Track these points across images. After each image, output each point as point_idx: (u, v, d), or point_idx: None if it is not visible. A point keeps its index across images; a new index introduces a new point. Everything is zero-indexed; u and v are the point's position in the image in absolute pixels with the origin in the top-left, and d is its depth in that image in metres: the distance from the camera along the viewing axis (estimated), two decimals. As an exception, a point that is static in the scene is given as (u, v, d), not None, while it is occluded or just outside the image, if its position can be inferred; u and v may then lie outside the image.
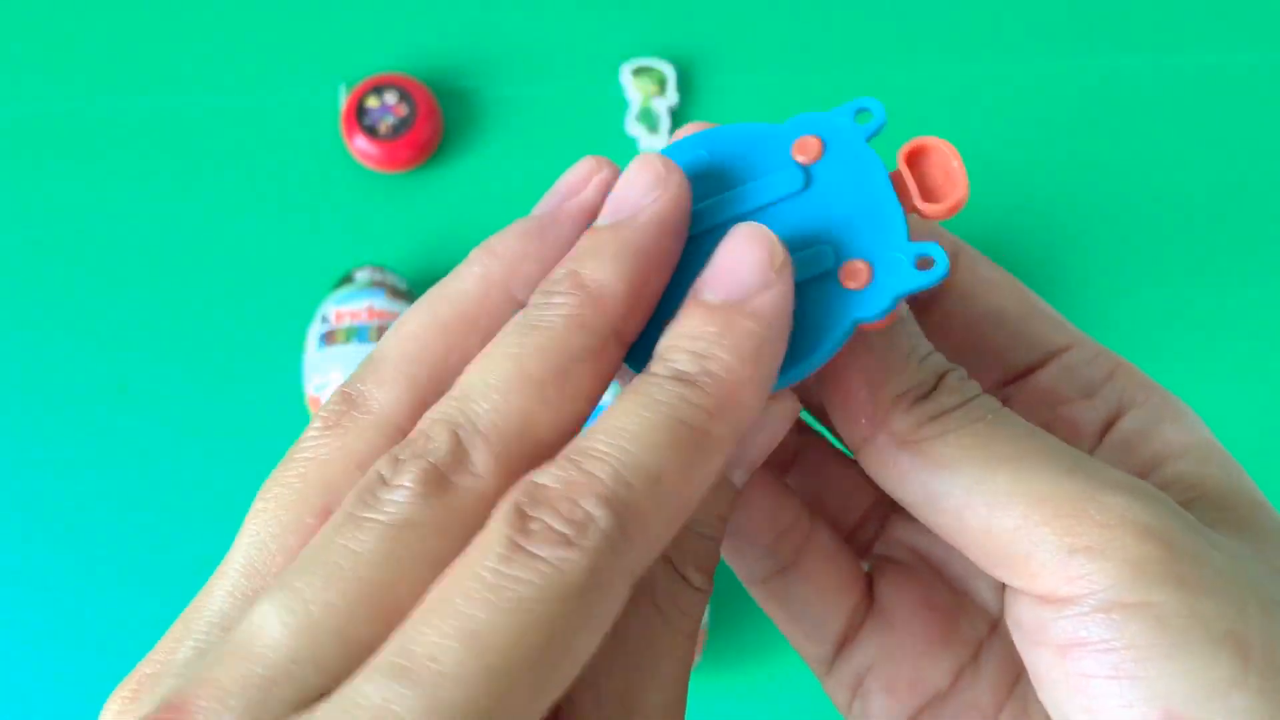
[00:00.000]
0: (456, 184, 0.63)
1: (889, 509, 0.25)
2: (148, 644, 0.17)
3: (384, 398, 0.19)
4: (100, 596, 0.56)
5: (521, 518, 0.16)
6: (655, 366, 0.18)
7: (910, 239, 0.19)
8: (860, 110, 0.20)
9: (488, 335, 0.19)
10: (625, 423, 0.17)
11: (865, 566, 0.25)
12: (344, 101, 0.62)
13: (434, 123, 0.61)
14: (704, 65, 0.64)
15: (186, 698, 0.15)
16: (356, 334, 0.55)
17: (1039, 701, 0.19)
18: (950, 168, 0.19)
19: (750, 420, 0.18)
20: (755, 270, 0.18)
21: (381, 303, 0.55)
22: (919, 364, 0.20)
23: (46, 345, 0.60)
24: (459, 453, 0.17)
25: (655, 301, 0.19)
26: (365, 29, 0.65)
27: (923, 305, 0.23)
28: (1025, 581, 0.19)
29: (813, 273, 0.19)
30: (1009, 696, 0.23)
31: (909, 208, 0.20)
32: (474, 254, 0.20)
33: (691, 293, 0.18)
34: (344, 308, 0.56)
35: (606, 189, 0.20)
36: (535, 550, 0.15)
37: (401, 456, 0.17)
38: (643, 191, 0.19)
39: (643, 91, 0.63)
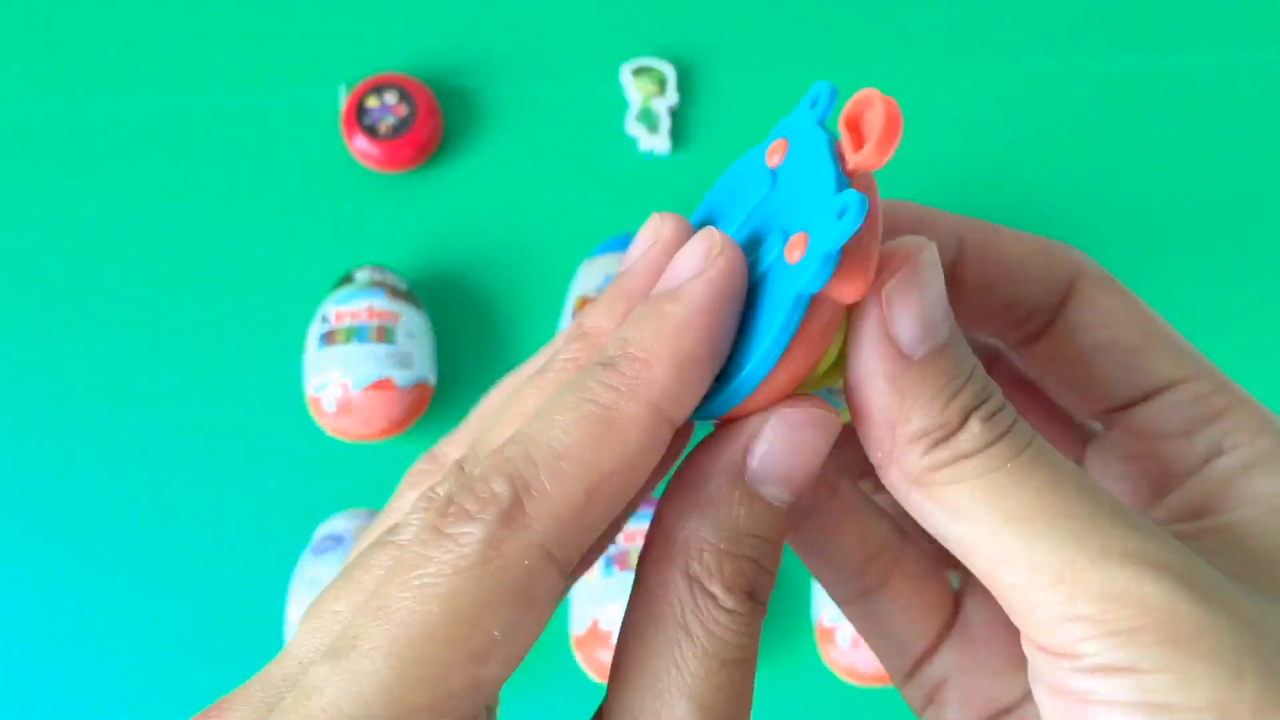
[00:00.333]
0: (456, 184, 0.63)
1: None
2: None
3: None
4: (100, 596, 0.56)
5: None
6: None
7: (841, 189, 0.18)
8: (814, 100, 0.20)
9: None
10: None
11: (954, 581, 0.25)
12: (344, 101, 0.62)
13: (434, 123, 0.61)
14: (704, 65, 0.64)
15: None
16: (356, 334, 0.55)
17: None
18: (891, 115, 0.18)
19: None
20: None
21: (381, 303, 0.55)
22: (945, 403, 0.19)
23: (46, 345, 0.60)
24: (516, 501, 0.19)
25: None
26: (365, 29, 0.65)
27: (1030, 337, 0.23)
28: (1026, 629, 0.19)
29: (768, 262, 0.19)
30: None
31: (848, 169, 0.19)
32: (568, 333, 0.21)
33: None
34: (344, 308, 0.55)
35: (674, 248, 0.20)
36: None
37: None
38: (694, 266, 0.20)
39: (643, 91, 0.63)
